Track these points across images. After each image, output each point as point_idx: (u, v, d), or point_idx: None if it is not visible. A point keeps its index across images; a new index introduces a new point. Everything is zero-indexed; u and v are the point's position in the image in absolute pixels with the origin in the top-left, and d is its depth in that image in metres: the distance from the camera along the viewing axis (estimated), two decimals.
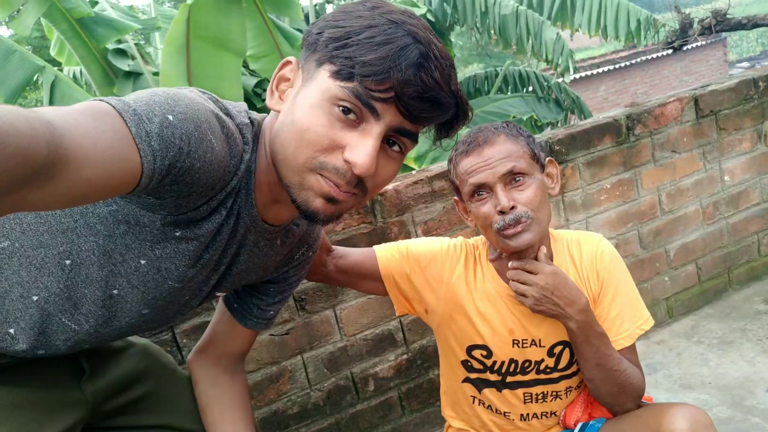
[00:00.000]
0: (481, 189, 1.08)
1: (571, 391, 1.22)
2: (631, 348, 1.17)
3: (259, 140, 0.80)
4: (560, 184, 1.21)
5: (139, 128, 0.59)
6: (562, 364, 1.19)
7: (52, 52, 4.98)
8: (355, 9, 0.71)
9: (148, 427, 1.04)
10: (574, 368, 1.19)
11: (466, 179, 1.09)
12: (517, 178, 1.07)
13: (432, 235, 1.83)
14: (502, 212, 1.06)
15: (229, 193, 0.77)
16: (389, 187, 1.76)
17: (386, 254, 1.25)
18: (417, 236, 1.81)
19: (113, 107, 0.59)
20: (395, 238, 1.79)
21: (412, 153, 4.67)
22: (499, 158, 1.06)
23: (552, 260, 1.19)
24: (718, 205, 2.33)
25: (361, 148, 0.70)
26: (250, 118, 0.80)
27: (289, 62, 0.77)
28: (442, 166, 1.86)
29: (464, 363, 1.24)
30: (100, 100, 0.60)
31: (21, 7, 3.82)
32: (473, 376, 1.25)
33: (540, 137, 2.00)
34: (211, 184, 0.71)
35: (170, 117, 0.62)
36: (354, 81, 0.68)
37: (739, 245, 2.40)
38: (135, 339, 1.08)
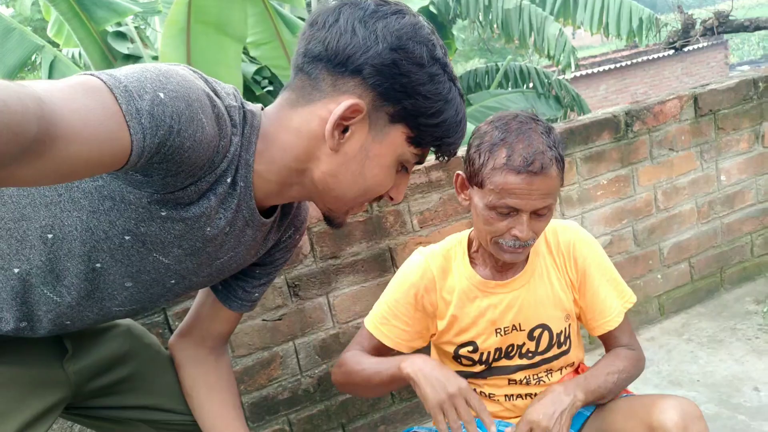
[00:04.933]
0: (510, 208, 1.05)
1: (552, 373, 1.24)
2: (625, 323, 1.21)
3: (257, 135, 0.78)
4: None
5: (129, 105, 0.58)
6: (542, 347, 1.21)
7: (50, 33, 4.88)
8: (422, 59, 0.75)
9: (131, 408, 1.04)
10: (553, 351, 1.22)
11: (500, 193, 1.04)
12: (543, 211, 1.07)
13: (428, 226, 1.84)
14: (515, 236, 1.06)
15: (218, 177, 0.75)
16: None
17: (378, 333, 1.23)
18: (413, 225, 1.82)
19: (104, 83, 0.58)
20: (391, 228, 1.79)
21: None
22: (542, 193, 1.03)
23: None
24: (713, 205, 2.33)
25: (402, 187, 0.88)
26: (242, 104, 0.78)
27: (359, 110, 0.75)
28: None
29: (455, 358, 1.26)
30: (91, 74, 0.59)
31: None
32: (461, 369, 1.26)
33: None
34: (200, 164, 0.70)
35: (161, 95, 0.61)
36: (426, 148, 0.81)
37: (732, 245, 2.41)
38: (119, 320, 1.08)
